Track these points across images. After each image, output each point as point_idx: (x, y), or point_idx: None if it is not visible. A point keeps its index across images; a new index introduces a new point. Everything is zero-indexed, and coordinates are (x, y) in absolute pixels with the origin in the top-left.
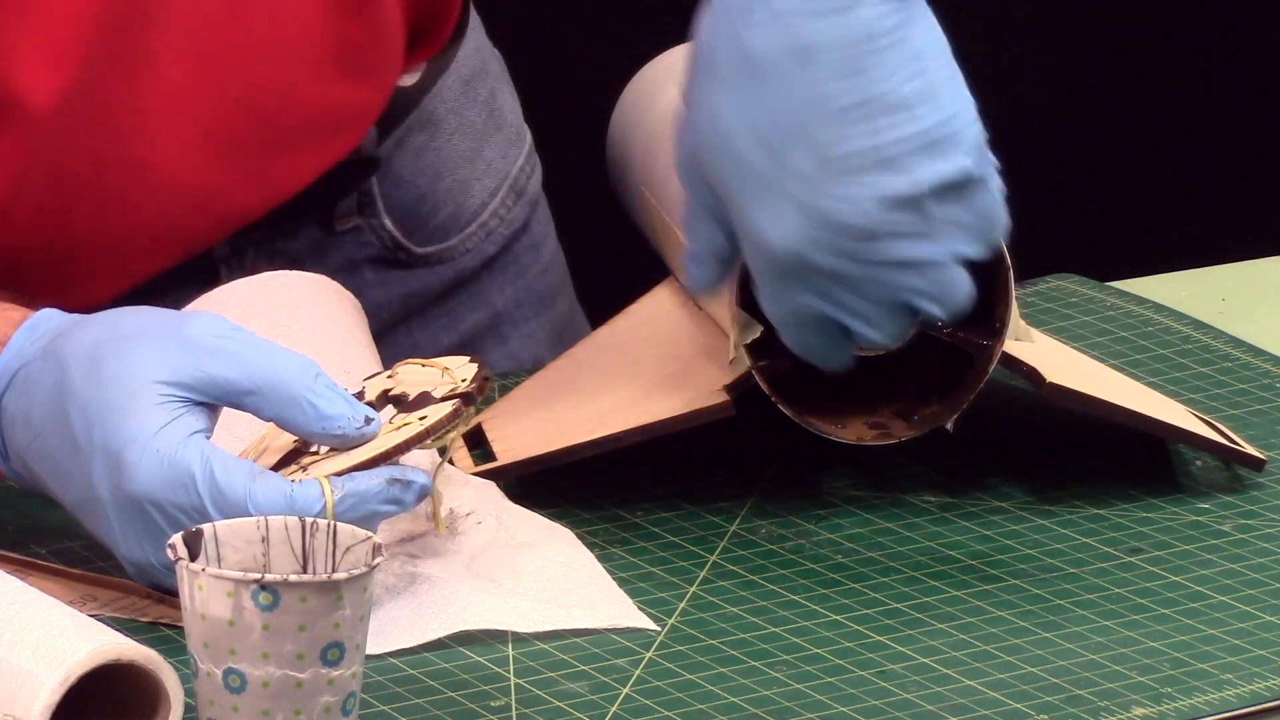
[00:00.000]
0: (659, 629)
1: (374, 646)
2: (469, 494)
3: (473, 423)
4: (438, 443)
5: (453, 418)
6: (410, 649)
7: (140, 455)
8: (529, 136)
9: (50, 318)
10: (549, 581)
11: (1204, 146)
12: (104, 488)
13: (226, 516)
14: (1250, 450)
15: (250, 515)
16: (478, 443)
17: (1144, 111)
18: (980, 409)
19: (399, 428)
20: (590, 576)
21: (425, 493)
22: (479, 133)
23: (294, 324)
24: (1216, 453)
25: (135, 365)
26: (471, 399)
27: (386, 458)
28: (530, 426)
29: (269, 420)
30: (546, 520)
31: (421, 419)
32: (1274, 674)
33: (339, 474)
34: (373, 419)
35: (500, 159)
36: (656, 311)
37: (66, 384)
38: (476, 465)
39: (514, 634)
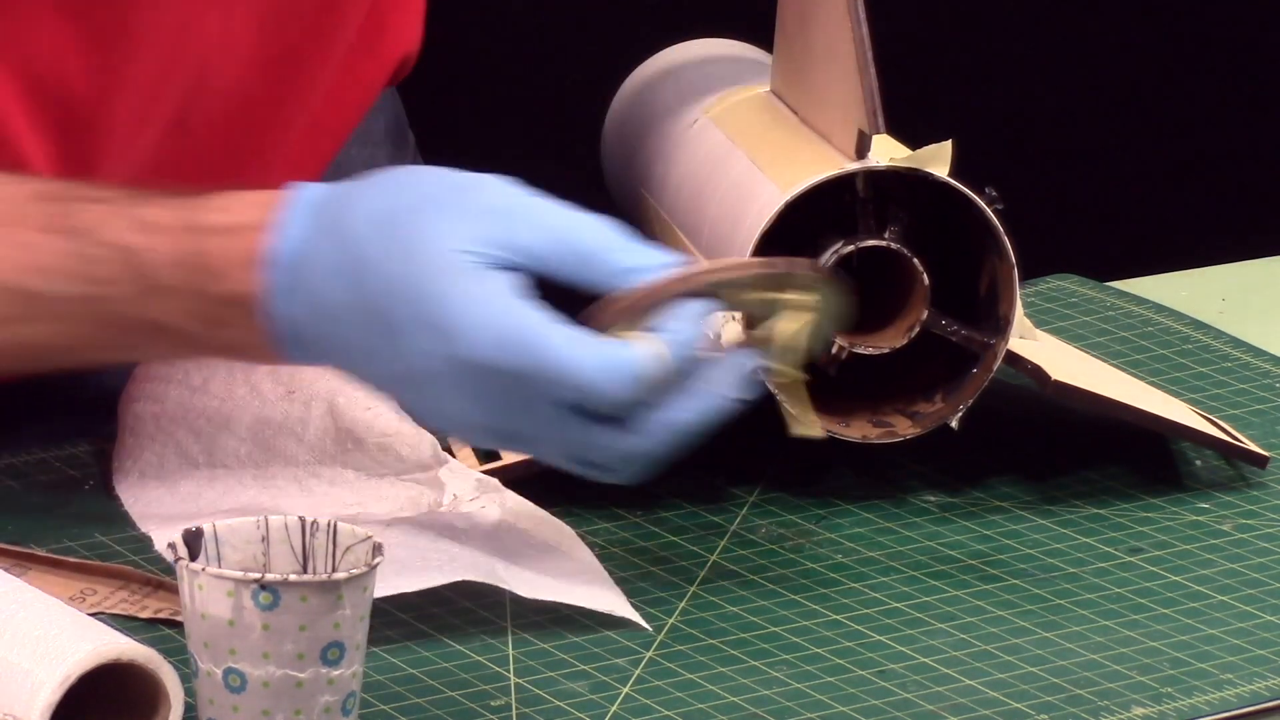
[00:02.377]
0: (659, 629)
1: (376, 590)
2: (472, 485)
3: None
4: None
5: (810, 282)
6: (410, 649)
7: (467, 320)
8: (411, 140)
9: (308, 189)
10: (548, 573)
11: (1204, 146)
12: (428, 359)
13: (560, 379)
14: (1253, 447)
15: (586, 377)
16: None
17: (1144, 111)
18: (981, 408)
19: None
20: (590, 576)
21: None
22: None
23: None
24: (1221, 450)
25: (439, 234)
26: (827, 274)
27: (700, 280)
28: None
29: (569, 282)
30: (548, 515)
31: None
32: (1274, 674)
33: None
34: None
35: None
36: None
37: (363, 259)
38: (481, 464)
39: (514, 634)
